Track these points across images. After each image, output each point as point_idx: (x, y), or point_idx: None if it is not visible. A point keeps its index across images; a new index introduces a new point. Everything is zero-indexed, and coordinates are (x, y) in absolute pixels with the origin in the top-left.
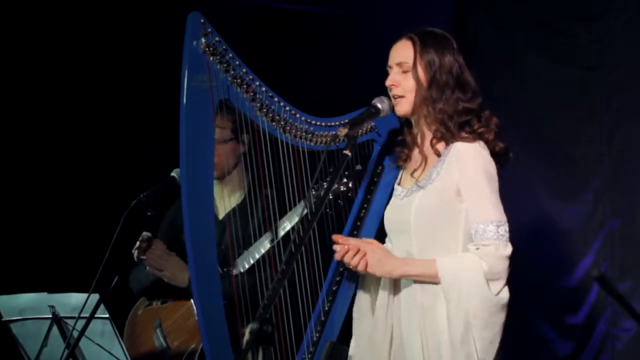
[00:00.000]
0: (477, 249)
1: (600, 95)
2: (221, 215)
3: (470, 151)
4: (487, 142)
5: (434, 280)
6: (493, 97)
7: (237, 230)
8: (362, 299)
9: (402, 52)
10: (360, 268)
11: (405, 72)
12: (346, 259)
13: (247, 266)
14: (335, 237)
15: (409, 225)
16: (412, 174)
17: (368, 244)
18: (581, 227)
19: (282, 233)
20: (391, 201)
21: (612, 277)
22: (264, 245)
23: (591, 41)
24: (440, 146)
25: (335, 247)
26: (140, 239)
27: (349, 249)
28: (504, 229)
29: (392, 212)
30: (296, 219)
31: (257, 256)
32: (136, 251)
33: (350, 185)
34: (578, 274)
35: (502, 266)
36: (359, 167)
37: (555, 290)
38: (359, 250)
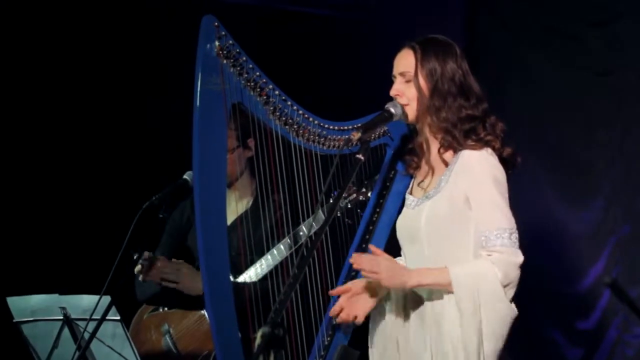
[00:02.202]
0: (490, 255)
1: (611, 100)
2: (230, 220)
3: (478, 159)
4: (494, 149)
5: (447, 289)
6: (503, 101)
7: (247, 235)
8: (374, 322)
9: (404, 61)
10: (374, 276)
11: (408, 82)
12: (362, 265)
13: (261, 274)
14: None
15: (420, 234)
16: (421, 183)
17: (380, 259)
18: (592, 232)
19: (300, 240)
20: (403, 210)
21: (624, 283)
22: (280, 252)
23: (602, 46)
24: (448, 155)
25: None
26: (142, 259)
27: (365, 258)
28: (515, 236)
29: (403, 221)
30: (314, 227)
31: (273, 263)
32: (140, 274)
33: (368, 194)
34: (589, 280)
35: (515, 274)
36: (377, 177)
37: (566, 296)
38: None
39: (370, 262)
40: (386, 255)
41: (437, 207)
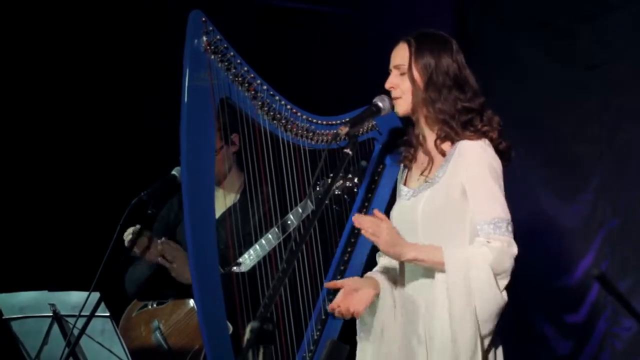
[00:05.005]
0: (489, 242)
1: (600, 95)
2: (218, 214)
3: (476, 149)
4: (491, 140)
5: (440, 268)
6: (494, 96)
7: (236, 228)
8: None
9: (399, 54)
10: (374, 238)
11: (402, 75)
12: (364, 224)
13: (250, 265)
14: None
15: (417, 224)
16: (418, 174)
17: (382, 224)
18: (581, 226)
19: (288, 230)
20: (397, 201)
21: (612, 276)
22: (268, 242)
23: (592, 40)
24: (446, 146)
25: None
26: (130, 231)
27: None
28: (511, 227)
29: (399, 213)
30: (302, 216)
31: (262, 253)
32: (132, 247)
33: (355, 180)
34: (578, 273)
35: (509, 264)
36: (364, 163)
37: (556, 289)
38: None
39: (372, 224)
40: (388, 222)
41: (434, 197)
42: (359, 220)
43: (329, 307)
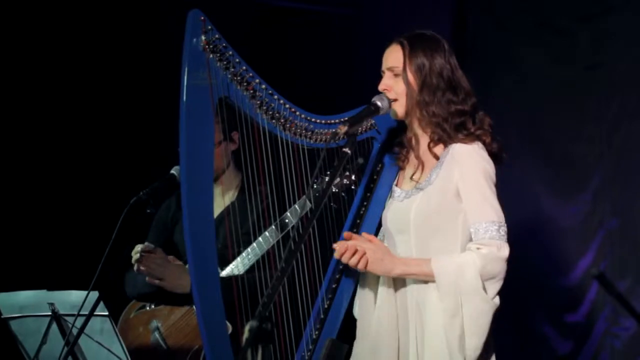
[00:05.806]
0: (478, 248)
1: (600, 95)
2: (216, 213)
3: (469, 152)
4: (484, 144)
5: (431, 279)
6: (493, 96)
7: (233, 227)
8: (363, 298)
9: (393, 56)
10: (360, 267)
11: (396, 76)
12: (344, 259)
13: (248, 264)
14: (345, 234)
15: (409, 226)
16: (411, 176)
17: (368, 242)
18: (581, 225)
19: (286, 228)
20: (390, 203)
21: (612, 276)
22: (266, 240)
23: (591, 40)
24: (439, 149)
25: (334, 245)
26: (141, 249)
27: (347, 248)
28: (504, 229)
29: (392, 214)
30: (300, 214)
31: (260, 252)
32: (136, 263)
33: (353, 178)
34: (577, 273)
35: (501, 267)
36: (361, 160)
37: (555, 289)
38: (356, 250)
39: (353, 250)
40: (376, 240)
41: (427, 199)
42: (340, 252)
43: (336, 252)
